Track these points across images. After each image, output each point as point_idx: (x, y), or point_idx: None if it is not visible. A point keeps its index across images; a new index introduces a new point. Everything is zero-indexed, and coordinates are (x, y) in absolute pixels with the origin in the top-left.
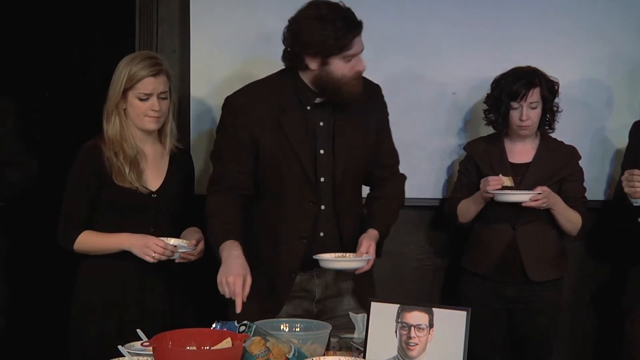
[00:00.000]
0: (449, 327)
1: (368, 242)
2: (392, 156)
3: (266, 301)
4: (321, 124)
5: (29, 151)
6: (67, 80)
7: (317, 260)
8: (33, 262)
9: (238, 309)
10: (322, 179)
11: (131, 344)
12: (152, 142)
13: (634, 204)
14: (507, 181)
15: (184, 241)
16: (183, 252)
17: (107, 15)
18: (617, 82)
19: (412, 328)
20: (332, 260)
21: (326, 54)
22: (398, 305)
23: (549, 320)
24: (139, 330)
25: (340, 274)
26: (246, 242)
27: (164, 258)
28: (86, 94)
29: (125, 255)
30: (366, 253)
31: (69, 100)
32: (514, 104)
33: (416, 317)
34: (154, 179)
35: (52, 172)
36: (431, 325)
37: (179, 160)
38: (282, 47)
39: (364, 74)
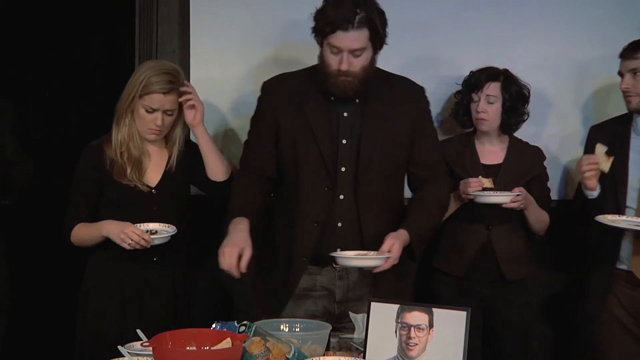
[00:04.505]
0: (449, 328)
1: (392, 240)
2: (432, 157)
3: (280, 286)
4: (345, 114)
5: (27, 150)
6: (66, 80)
7: (340, 249)
8: (35, 262)
9: (235, 275)
10: (342, 169)
11: (131, 344)
12: (158, 143)
13: (589, 197)
14: (487, 182)
15: (166, 225)
16: (157, 240)
17: (107, 15)
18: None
19: (412, 328)
20: (349, 257)
21: (316, 33)
22: (398, 306)
23: (525, 317)
24: (138, 331)
25: (365, 276)
26: (267, 226)
27: (139, 247)
28: (86, 94)
29: (128, 252)
30: (388, 252)
31: (68, 100)
32: (474, 96)
33: (416, 317)
34: (154, 176)
35: (52, 172)
36: (431, 326)
37: (187, 152)
38: (283, 46)
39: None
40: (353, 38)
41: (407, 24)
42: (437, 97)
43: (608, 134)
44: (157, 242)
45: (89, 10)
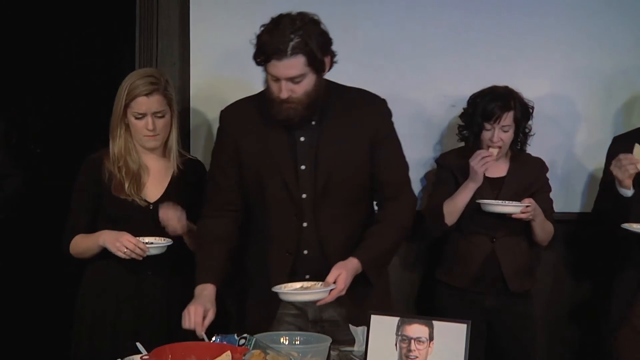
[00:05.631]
0: (449, 340)
1: (337, 271)
2: (394, 174)
3: (259, 314)
4: (302, 139)
5: (17, 163)
6: (67, 95)
7: (309, 277)
8: (33, 272)
9: (200, 336)
10: (303, 196)
11: (131, 357)
12: (157, 155)
13: (624, 195)
14: (495, 151)
15: (162, 239)
16: (153, 250)
17: (108, 29)
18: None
19: (412, 341)
20: (288, 292)
21: (255, 61)
22: (398, 318)
23: (529, 329)
24: (138, 344)
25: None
26: (239, 255)
27: (134, 255)
28: (86, 109)
29: (123, 263)
30: (334, 282)
31: (68, 114)
32: (487, 125)
33: (416, 329)
34: (154, 191)
35: (51, 185)
36: (431, 338)
37: (187, 172)
38: None
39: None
40: (288, 66)
41: (406, 39)
42: (439, 115)
43: (631, 145)
44: (153, 252)
45: (89, 24)
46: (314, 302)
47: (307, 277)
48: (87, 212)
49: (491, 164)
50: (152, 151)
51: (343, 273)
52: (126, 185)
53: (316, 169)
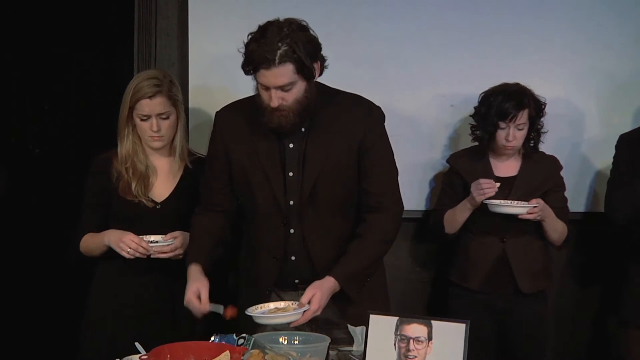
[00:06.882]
0: (448, 340)
1: (312, 291)
2: (379, 183)
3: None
4: (291, 145)
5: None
6: (65, 94)
7: (298, 282)
8: (29, 276)
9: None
10: (291, 202)
11: (129, 357)
12: (165, 155)
13: None
14: (498, 185)
15: (162, 237)
16: (156, 247)
17: (106, 28)
18: (601, 94)
19: (411, 341)
20: (261, 316)
21: (243, 70)
22: (397, 318)
23: (539, 330)
24: (137, 344)
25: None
26: (236, 256)
27: (138, 254)
28: (85, 108)
29: (129, 263)
30: (308, 303)
31: (67, 114)
32: (502, 124)
33: (415, 329)
34: (162, 191)
35: (51, 185)
36: (430, 338)
37: (195, 172)
38: None
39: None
40: (277, 75)
41: (406, 39)
42: (438, 115)
43: (638, 142)
44: (156, 250)
45: (88, 24)
46: (286, 324)
47: (296, 281)
48: (96, 211)
49: (490, 194)
50: (160, 151)
51: (318, 293)
52: (133, 186)
53: (303, 175)
